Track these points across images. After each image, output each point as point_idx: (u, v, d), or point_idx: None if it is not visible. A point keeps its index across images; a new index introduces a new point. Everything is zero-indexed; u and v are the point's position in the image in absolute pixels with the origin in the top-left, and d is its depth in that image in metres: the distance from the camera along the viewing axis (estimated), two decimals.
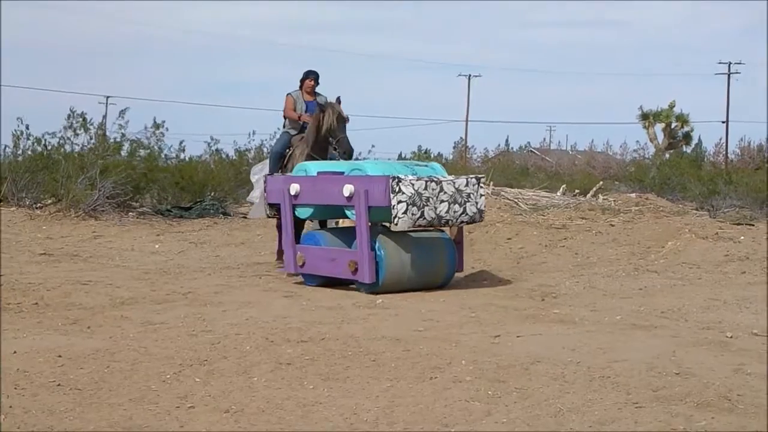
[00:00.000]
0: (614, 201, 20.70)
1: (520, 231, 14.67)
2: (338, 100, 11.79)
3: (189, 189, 19.97)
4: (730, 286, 10.58)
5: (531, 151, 69.74)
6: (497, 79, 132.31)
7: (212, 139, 24.37)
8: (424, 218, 9.76)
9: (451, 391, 5.91)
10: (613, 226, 16.48)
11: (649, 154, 50.18)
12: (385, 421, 5.33)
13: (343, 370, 6.46)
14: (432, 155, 39.42)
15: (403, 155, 44.39)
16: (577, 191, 22.97)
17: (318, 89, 12.46)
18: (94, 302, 9.08)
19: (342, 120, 11.61)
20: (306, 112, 12.19)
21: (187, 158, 22.35)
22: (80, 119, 19.37)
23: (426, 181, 9.78)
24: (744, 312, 8.86)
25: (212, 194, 20.29)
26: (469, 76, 68.36)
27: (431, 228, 10.33)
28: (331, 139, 11.56)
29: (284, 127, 12.63)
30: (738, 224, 18.74)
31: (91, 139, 19.58)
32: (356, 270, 9.91)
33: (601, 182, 26.58)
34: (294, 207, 10.81)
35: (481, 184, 10.20)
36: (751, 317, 8.55)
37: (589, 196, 21.41)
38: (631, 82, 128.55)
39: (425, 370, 6.44)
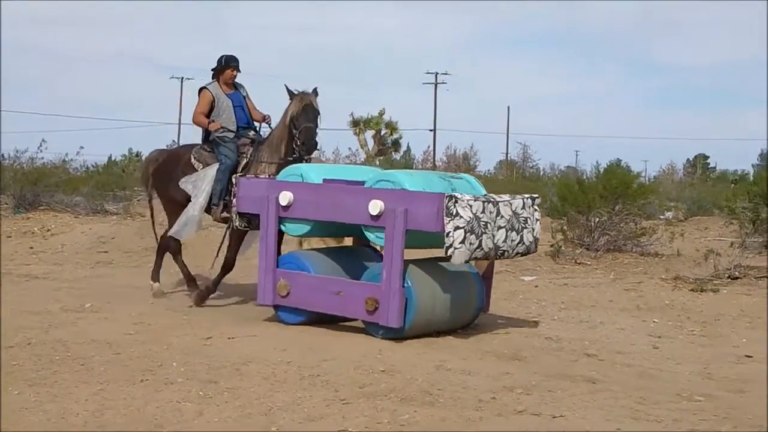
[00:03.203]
0: None
1: None
2: (315, 91, 9.40)
3: None
4: None
5: None
6: None
7: None
8: (482, 249, 7.76)
9: (162, 393, 5.91)
10: None
11: (360, 160, 51.56)
12: (94, 424, 5.27)
13: (51, 374, 6.31)
14: (143, 157, 38.54)
15: (112, 157, 43.07)
16: None
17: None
18: None
19: (311, 110, 9.24)
20: (234, 106, 9.79)
21: None
22: None
23: (483, 202, 7.78)
24: None
25: None
26: (182, 78, 68.07)
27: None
28: (294, 131, 9.20)
29: (217, 130, 9.76)
30: None
31: None
32: (376, 309, 7.87)
33: None
34: (281, 221, 8.61)
35: (536, 206, 8.38)
36: None
37: None
38: (343, 88, 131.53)
39: (136, 372, 6.40)
